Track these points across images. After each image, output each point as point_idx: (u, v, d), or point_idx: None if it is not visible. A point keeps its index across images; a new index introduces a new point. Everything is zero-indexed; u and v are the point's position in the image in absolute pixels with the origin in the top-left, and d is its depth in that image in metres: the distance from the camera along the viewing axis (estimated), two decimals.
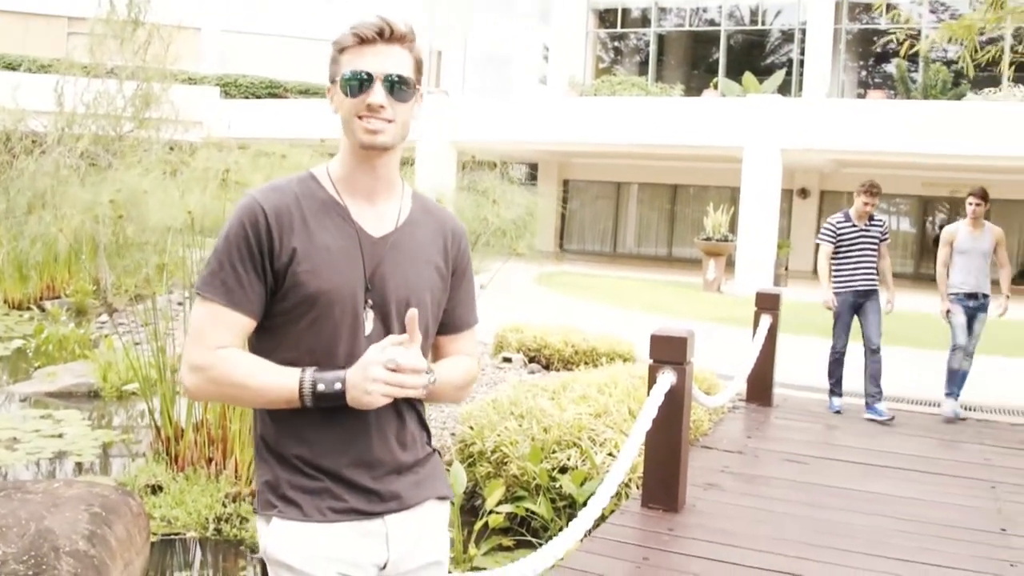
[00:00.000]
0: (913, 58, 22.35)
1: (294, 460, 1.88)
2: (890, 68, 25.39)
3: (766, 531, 4.74)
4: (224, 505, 5.49)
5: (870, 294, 7.70)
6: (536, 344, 9.39)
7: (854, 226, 7.70)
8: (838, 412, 7.71)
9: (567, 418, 5.93)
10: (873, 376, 7.56)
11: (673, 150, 21.36)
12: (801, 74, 24.94)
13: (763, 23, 26.79)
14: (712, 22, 27.21)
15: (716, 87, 24.46)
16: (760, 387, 7.75)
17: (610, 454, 5.62)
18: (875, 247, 7.74)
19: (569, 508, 5.44)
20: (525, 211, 6.67)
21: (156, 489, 5.83)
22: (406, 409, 1.97)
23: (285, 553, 1.84)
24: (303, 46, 29.41)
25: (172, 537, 5.33)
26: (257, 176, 5.51)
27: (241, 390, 1.83)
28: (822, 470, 5.96)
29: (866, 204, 7.63)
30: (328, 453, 1.87)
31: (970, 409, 7.90)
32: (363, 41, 1.87)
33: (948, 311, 7.73)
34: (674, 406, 4.84)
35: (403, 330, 1.87)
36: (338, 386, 1.79)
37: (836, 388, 7.89)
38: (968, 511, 5.22)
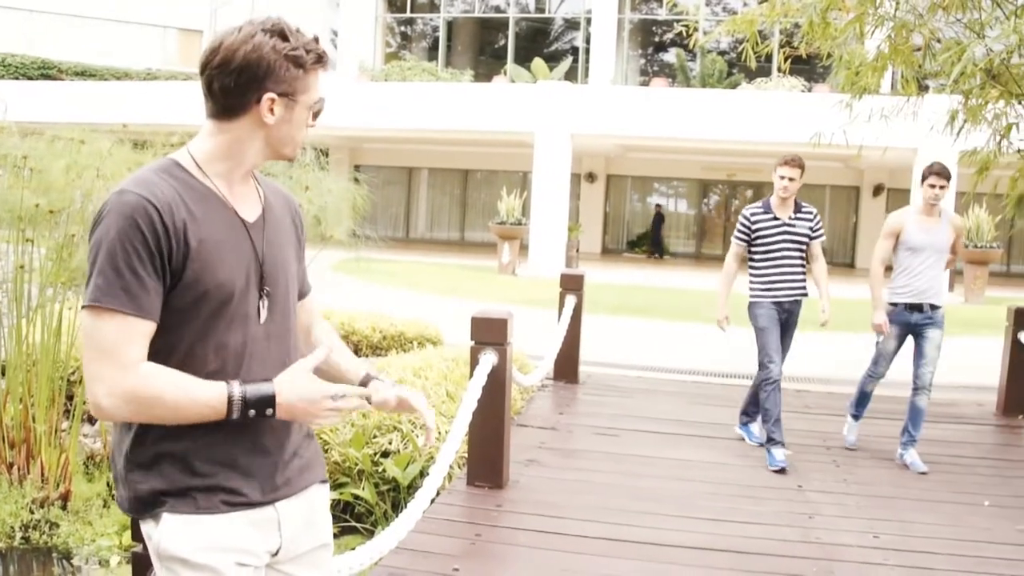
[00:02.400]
0: (691, 48, 23.49)
1: (180, 455, 1.83)
2: (670, 57, 26.63)
3: (586, 501, 4.95)
4: (31, 511, 5.20)
5: (795, 308, 6.09)
6: (344, 331, 9.31)
7: (775, 219, 6.01)
8: (762, 445, 6.09)
9: None
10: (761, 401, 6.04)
11: (465, 135, 21.64)
12: (587, 61, 25.76)
13: (548, 11, 27.47)
14: (499, 9, 27.67)
15: (506, 73, 24.90)
16: (567, 365, 7.98)
17: None
18: (803, 246, 6.02)
19: (393, 492, 5.49)
20: (338, 198, 6.61)
21: None
22: None
23: (179, 547, 1.80)
24: (79, 25, 27.75)
25: None
26: (59, 163, 5.21)
27: (171, 410, 1.75)
28: (632, 441, 6.26)
29: (783, 179, 5.93)
30: (217, 445, 1.84)
31: None
32: (319, 62, 1.93)
33: (880, 330, 5.95)
34: (496, 386, 4.96)
35: (288, 311, 1.97)
36: (267, 388, 1.79)
37: (762, 413, 6.04)
38: (767, 471, 5.63)
